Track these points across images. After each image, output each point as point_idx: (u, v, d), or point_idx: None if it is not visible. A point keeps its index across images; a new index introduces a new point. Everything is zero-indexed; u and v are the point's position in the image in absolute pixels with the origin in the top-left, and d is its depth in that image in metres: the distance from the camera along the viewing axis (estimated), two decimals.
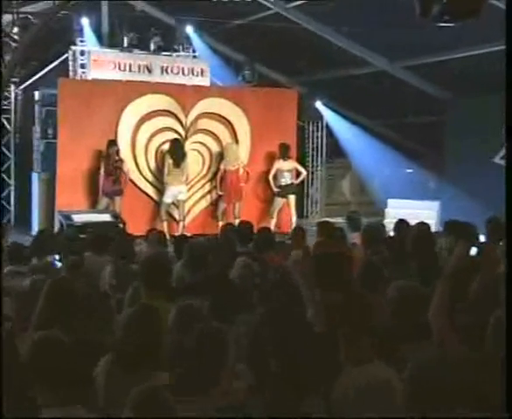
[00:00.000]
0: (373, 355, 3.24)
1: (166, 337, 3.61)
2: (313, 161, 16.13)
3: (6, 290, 4.59)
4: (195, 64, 13.61)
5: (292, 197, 13.09)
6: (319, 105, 15.68)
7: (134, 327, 3.48)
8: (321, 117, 15.91)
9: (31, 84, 13.58)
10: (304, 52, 14.53)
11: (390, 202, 13.85)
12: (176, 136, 12.61)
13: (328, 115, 15.90)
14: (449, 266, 3.48)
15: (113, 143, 11.85)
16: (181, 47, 13.94)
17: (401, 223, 7.54)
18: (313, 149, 16.12)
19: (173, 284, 5.14)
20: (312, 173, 16.04)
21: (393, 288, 3.90)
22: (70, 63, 13.10)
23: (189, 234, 11.27)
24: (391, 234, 7.56)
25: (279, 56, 14.49)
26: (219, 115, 13.12)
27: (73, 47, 13.07)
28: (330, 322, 3.57)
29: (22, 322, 4.07)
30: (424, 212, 11.99)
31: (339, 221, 11.97)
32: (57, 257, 6.80)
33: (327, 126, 16.06)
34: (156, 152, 12.73)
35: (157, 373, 3.35)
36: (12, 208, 13.40)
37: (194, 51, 14.19)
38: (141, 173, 12.64)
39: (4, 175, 13.35)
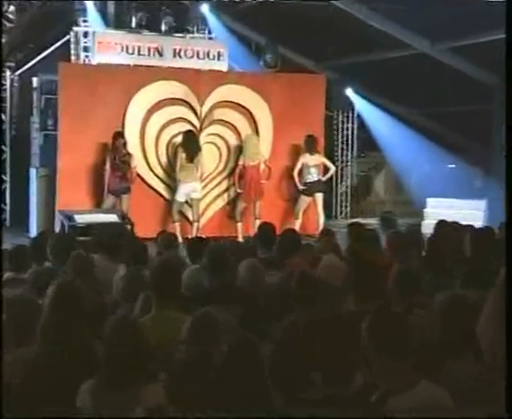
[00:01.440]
0: (419, 375, 3.26)
1: (178, 348, 3.64)
2: (342, 155, 16.13)
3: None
4: (211, 46, 13.65)
5: (319, 196, 13.09)
6: (350, 92, 15.67)
7: (115, 342, 3.51)
8: (351, 106, 15.90)
9: (28, 69, 13.69)
10: (333, 33, 14.52)
11: (430, 201, 13.82)
12: (189, 127, 12.65)
13: (360, 104, 15.88)
14: (502, 274, 3.47)
15: (119, 135, 11.91)
16: (195, 28, 14.02)
17: (441, 225, 7.53)
18: (342, 142, 16.12)
19: (187, 292, 5.16)
20: (341, 168, 16.04)
21: (441, 299, 3.90)
22: (72, 46, 13.22)
23: (203, 236, 11.32)
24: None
25: (305, 37, 14.50)
26: (238, 104, 13.14)
27: (76, 28, 13.18)
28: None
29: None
30: (468, 212, 11.96)
31: (372, 222, 11.97)
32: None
33: (358, 116, 16.05)
34: (168, 145, 12.79)
35: (148, 387, 3.40)
36: (8, 207, 13.52)
37: (210, 33, 14.27)
38: (150, 168, 12.70)
39: None
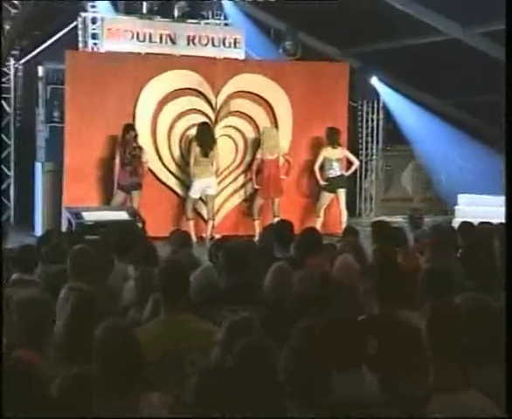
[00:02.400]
0: (467, 381, 3.41)
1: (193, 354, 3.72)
2: (367, 148, 16.13)
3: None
4: (227, 33, 13.71)
5: (342, 192, 13.12)
6: (375, 81, 15.66)
7: (104, 349, 3.56)
8: (377, 96, 15.90)
9: (33, 57, 13.75)
10: (357, 18, 14.51)
11: (462, 197, 13.82)
12: (204, 119, 12.73)
13: (386, 93, 15.88)
14: None
15: (130, 128, 12.00)
16: (210, 13, 14.06)
17: (465, 226, 7.59)
18: (367, 135, 16.13)
19: (198, 293, 5.23)
20: (366, 163, 16.05)
21: (465, 302, 3.98)
22: (79, 33, 13.30)
23: (218, 235, 11.40)
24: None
25: (327, 23, 14.50)
26: (255, 94, 13.20)
27: (84, 14, 13.26)
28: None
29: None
30: (503, 210, 11.92)
31: (398, 220, 12.02)
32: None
33: (384, 106, 16.05)
34: (181, 138, 12.87)
35: (147, 394, 3.48)
36: (12, 204, 13.61)
37: (226, 18, 14.31)
38: (163, 163, 12.80)
39: (2, 166, 13.51)
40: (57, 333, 4.22)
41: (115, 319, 3.98)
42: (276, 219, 11.77)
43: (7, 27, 12.43)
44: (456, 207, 13.79)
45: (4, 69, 13.42)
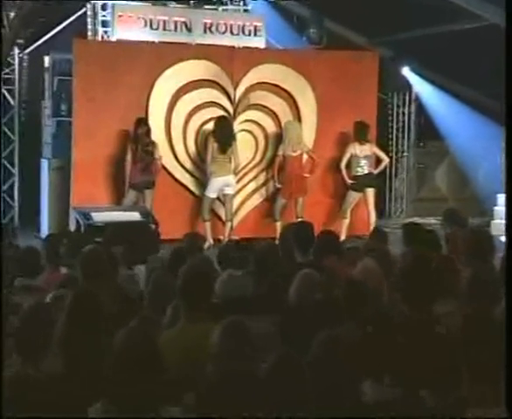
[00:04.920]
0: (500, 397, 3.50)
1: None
2: (398, 144, 16.12)
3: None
4: (246, 20, 13.76)
5: (370, 191, 13.12)
6: (407, 71, 15.65)
7: (124, 357, 3.57)
8: (409, 87, 15.88)
9: (39, 46, 13.81)
10: (387, 3, 14.50)
11: (501, 197, 13.75)
12: (222, 113, 12.78)
13: (419, 85, 15.86)
14: None
15: (142, 122, 12.06)
16: None
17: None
18: (398, 129, 16.11)
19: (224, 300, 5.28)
20: (396, 160, 16.04)
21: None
22: (89, 20, 13.40)
23: (236, 237, 11.44)
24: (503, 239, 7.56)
25: (354, 9, 14.50)
26: (277, 86, 13.23)
27: (93, 0, 13.34)
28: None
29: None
30: None
31: (431, 222, 12.01)
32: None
33: (417, 98, 16.02)
34: (197, 133, 12.92)
35: (165, 408, 3.54)
36: (16, 203, 13.68)
37: (245, 4, 14.35)
38: (177, 160, 12.85)
39: (6, 162, 13.58)
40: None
41: (133, 327, 4.01)
42: (299, 220, 11.80)
43: (12, 14, 12.50)
44: (495, 208, 13.74)
45: (9, 59, 13.46)
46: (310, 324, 4.51)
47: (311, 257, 6.71)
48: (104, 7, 13.31)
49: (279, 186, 12.91)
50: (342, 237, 12.54)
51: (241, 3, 14.31)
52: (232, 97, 13.04)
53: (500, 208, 13.55)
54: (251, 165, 13.24)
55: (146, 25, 13.10)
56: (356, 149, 12.91)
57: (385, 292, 5.27)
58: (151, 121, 12.33)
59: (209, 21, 13.44)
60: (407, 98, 16.06)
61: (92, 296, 4.46)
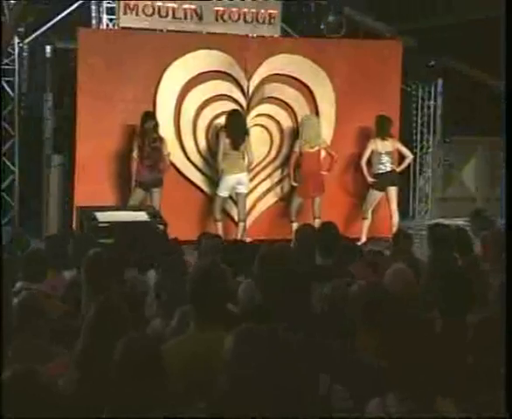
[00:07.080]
0: None
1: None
2: (422, 140, 16.09)
3: None
4: (261, 8, 13.76)
5: (393, 190, 13.11)
6: (432, 62, 15.62)
7: (122, 368, 3.62)
8: (435, 79, 15.85)
9: (40, 35, 13.84)
10: None
11: None
12: (234, 106, 12.80)
13: (446, 76, 15.82)
14: None
15: (150, 116, 12.09)
16: None
17: None
18: (422, 124, 16.09)
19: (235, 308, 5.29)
20: (421, 157, 16.01)
21: None
22: (93, 7, 13.43)
23: (249, 239, 11.46)
24: None
25: None
26: (293, 78, 13.25)
27: None
28: None
29: None
30: None
31: (458, 223, 11.97)
32: None
33: (443, 91, 15.99)
34: (208, 128, 12.95)
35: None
36: (16, 202, 13.69)
37: None
38: (187, 156, 12.88)
39: (5, 159, 13.59)
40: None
41: (137, 334, 4.03)
42: (317, 221, 11.82)
43: (12, 1, 12.54)
44: None
45: (8, 49, 13.47)
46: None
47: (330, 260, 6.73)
48: None
49: (295, 184, 12.92)
50: (363, 239, 12.58)
51: None
52: (245, 89, 13.06)
53: None
54: (265, 162, 13.25)
55: (154, 13, 13.09)
56: (378, 145, 12.91)
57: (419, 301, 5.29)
58: (159, 115, 12.37)
59: (221, 8, 13.41)
60: (432, 90, 16.02)
61: (117, 307, 4.50)
